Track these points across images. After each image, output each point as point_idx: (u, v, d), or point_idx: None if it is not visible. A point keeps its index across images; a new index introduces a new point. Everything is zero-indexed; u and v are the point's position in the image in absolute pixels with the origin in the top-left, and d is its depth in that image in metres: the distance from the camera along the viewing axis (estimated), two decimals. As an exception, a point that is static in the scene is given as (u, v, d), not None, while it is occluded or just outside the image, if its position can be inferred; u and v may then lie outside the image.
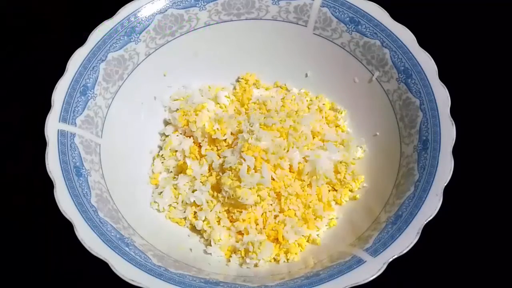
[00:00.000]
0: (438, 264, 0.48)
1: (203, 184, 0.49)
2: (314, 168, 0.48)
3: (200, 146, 0.51)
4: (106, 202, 0.43)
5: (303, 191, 0.48)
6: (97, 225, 0.40)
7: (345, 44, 0.50)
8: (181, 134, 0.52)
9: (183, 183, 0.49)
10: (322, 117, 0.53)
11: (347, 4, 0.49)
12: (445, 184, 0.41)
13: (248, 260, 0.45)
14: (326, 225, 0.48)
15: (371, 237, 0.41)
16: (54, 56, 0.50)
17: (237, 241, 0.47)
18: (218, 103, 0.53)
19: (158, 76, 0.52)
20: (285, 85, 0.55)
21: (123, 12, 0.49)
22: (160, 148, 0.52)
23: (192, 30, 0.51)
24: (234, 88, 0.55)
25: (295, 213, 0.47)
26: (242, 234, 0.47)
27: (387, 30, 0.48)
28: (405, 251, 0.39)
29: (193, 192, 0.49)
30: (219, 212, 0.48)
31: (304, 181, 0.48)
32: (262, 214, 0.47)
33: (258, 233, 0.47)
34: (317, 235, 0.48)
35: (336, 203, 0.49)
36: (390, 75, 0.48)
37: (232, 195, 0.46)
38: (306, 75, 0.54)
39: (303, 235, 0.47)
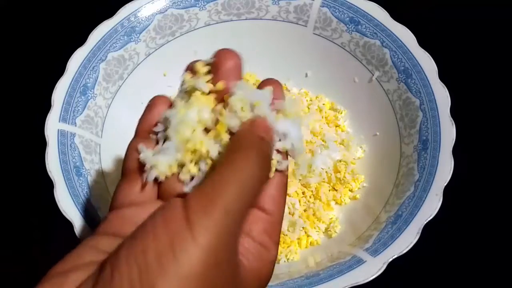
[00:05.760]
0: (438, 264, 0.48)
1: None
2: (311, 165, 0.48)
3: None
4: (106, 202, 0.43)
5: (303, 192, 0.48)
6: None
7: (345, 44, 0.50)
8: None
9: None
10: (322, 117, 0.53)
11: (347, 4, 0.49)
12: (445, 184, 0.41)
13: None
14: (326, 225, 0.48)
15: (371, 237, 0.41)
16: (54, 56, 0.50)
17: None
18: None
19: (158, 76, 0.52)
20: (285, 85, 0.55)
21: (123, 12, 0.49)
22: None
23: (192, 30, 0.51)
24: (234, 88, 0.55)
25: (294, 213, 0.47)
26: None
27: (387, 30, 0.48)
28: (405, 251, 0.39)
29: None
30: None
31: (301, 181, 0.48)
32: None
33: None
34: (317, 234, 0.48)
35: (336, 203, 0.49)
36: (390, 75, 0.48)
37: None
38: (306, 75, 0.54)
39: (302, 227, 0.47)
